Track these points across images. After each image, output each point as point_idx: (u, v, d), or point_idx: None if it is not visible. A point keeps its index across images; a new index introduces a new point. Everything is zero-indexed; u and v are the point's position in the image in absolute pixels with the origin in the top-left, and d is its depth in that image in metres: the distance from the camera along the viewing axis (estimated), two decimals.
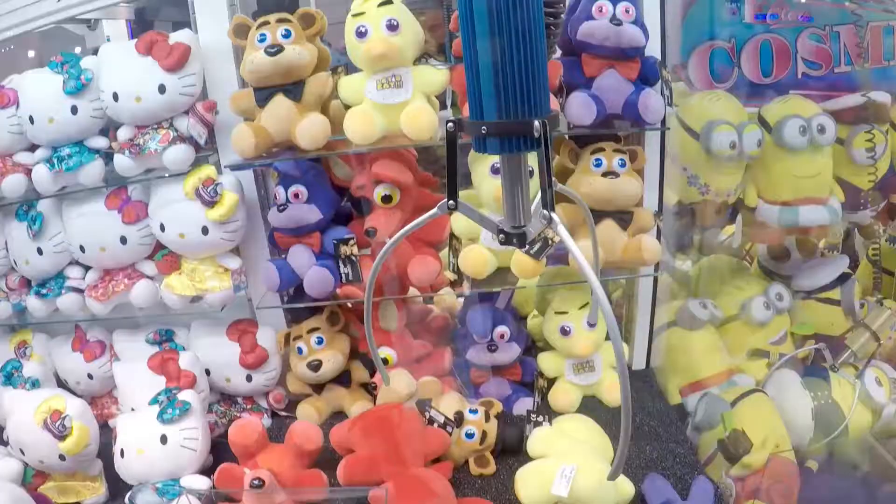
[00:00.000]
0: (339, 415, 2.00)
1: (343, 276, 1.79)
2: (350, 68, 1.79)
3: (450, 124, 0.88)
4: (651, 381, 2.10)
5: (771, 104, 2.08)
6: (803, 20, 2.13)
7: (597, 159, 1.75)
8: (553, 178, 0.86)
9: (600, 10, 1.66)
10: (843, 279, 2.28)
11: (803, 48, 2.14)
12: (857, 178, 2.15)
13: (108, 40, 1.96)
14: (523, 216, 0.92)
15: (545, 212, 0.87)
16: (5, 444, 1.79)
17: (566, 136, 1.81)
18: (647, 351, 2.14)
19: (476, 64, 0.84)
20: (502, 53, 0.81)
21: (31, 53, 2.17)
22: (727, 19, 2.13)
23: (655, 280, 2.01)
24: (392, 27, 1.61)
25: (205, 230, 1.80)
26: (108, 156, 1.84)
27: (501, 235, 0.93)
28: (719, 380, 2.07)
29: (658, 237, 1.90)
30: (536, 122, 0.83)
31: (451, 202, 0.94)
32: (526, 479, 1.55)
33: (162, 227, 1.83)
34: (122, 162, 1.78)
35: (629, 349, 2.11)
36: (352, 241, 1.77)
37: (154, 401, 1.76)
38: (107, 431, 1.83)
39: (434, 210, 0.97)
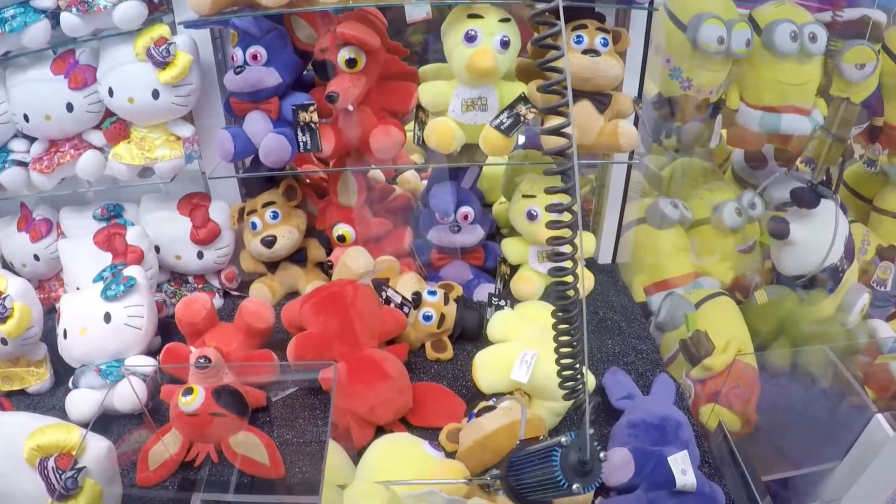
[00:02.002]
0: (294, 295, 1.93)
1: (301, 144, 1.69)
2: None
3: None
4: (616, 276, 2.06)
5: (763, 6, 2.02)
6: None
7: (578, 36, 1.65)
8: None
9: None
10: None
11: None
12: (844, 94, 2.09)
13: None
14: None
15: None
16: None
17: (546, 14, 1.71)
18: (615, 246, 2.09)
19: None
20: None
21: None
22: None
23: (629, 171, 1.94)
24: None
25: (155, 94, 1.69)
26: (54, 16, 1.69)
27: None
28: (685, 281, 2.05)
29: (636, 125, 1.82)
30: None
31: None
32: (484, 363, 1.51)
33: (110, 92, 1.72)
34: (69, 21, 1.65)
35: (596, 242, 2.06)
36: (312, 108, 1.66)
37: (98, 277, 1.69)
38: (54, 317, 1.77)
39: None
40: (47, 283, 2.02)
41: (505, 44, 1.61)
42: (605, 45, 1.66)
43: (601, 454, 1.03)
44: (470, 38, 1.60)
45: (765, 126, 2.02)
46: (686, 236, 2.13)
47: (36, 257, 1.96)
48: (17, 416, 1.39)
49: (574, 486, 0.99)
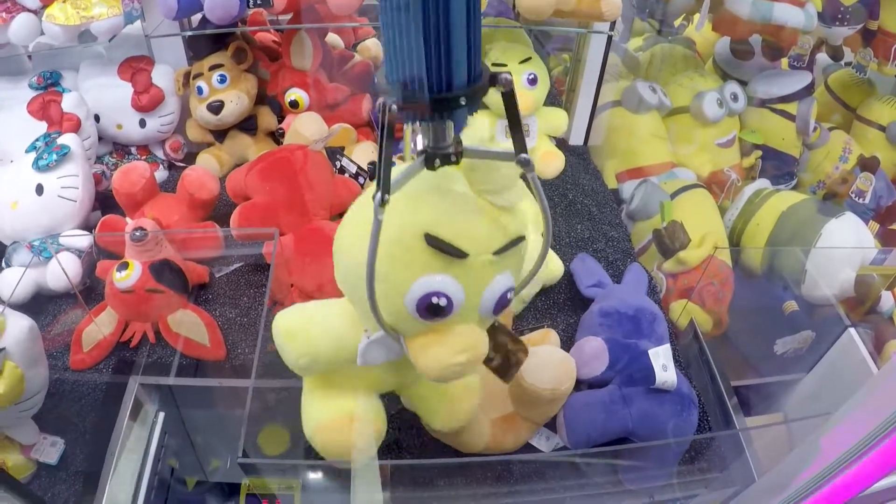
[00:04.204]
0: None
1: None
2: None
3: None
4: (588, 160, 1.97)
5: None
6: None
7: None
8: None
9: None
10: (802, 93, 2.17)
11: None
12: None
13: None
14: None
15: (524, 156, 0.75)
16: None
17: None
18: (587, 127, 2.00)
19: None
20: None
21: None
22: None
23: (608, 44, 1.82)
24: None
25: None
26: None
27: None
28: (660, 170, 1.97)
29: None
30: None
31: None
32: None
33: None
34: None
35: (569, 121, 1.94)
36: None
37: (31, 147, 1.56)
38: None
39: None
40: None
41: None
42: None
43: None
44: None
45: (756, 14, 1.90)
46: (663, 123, 2.03)
47: None
48: None
49: None
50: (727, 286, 1.73)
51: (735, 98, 2.06)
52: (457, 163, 0.76)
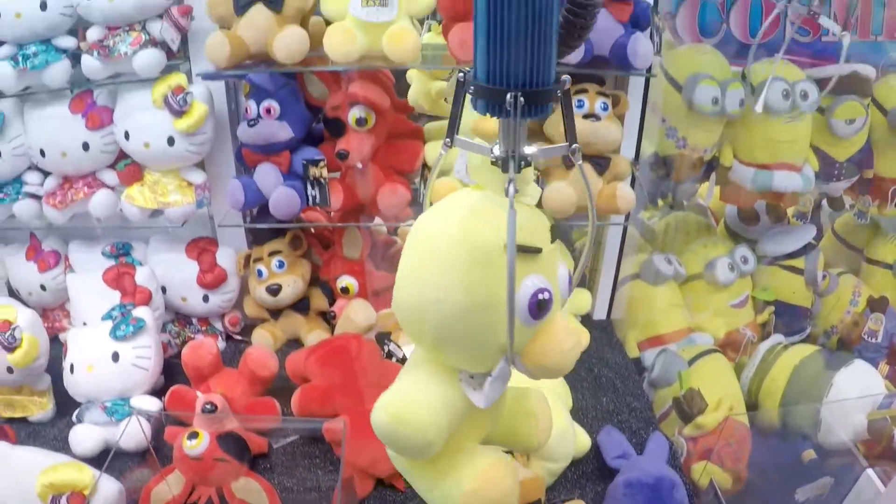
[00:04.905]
0: (294, 342, 1.98)
1: (311, 198, 1.74)
2: None
3: (460, 74, 0.84)
4: (611, 333, 2.10)
5: (757, 64, 2.05)
6: None
7: (579, 100, 1.70)
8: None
9: None
10: (808, 248, 2.29)
11: (794, 13, 2.11)
12: (834, 149, 2.15)
13: None
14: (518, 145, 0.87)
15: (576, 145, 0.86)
16: None
17: None
18: (610, 302, 2.13)
19: (476, 20, 0.79)
20: (498, 17, 0.76)
21: None
22: None
23: (625, 230, 1.99)
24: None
25: (171, 140, 1.74)
26: (75, 58, 1.76)
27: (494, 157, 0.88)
28: (678, 336, 2.08)
29: (632, 185, 1.87)
30: (509, 96, 0.79)
31: (448, 139, 0.91)
32: None
33: (126, 135, 1.77)
34: (89, 63, 1.70)
35: (592, 298, 2.10)
36: (322, 164, 1.71)
37: (107, 316, 1.72)
38: (57, 346, 1.79)
39: (440, 151, 0.93)
40: (51, 313, 2.05)
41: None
42: (605, 109, 1.72)
43: None
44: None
45: (757, 184, 2.05)
46: (679, 292, 2.16)
47: (43, 287, 1.99)
48: (28, 452, 1.44)
49: None
50: (744, 445, 1.82)
51: (745, 261, 2.19)
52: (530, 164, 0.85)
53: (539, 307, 0.84)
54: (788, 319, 2.28)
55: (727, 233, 2.45)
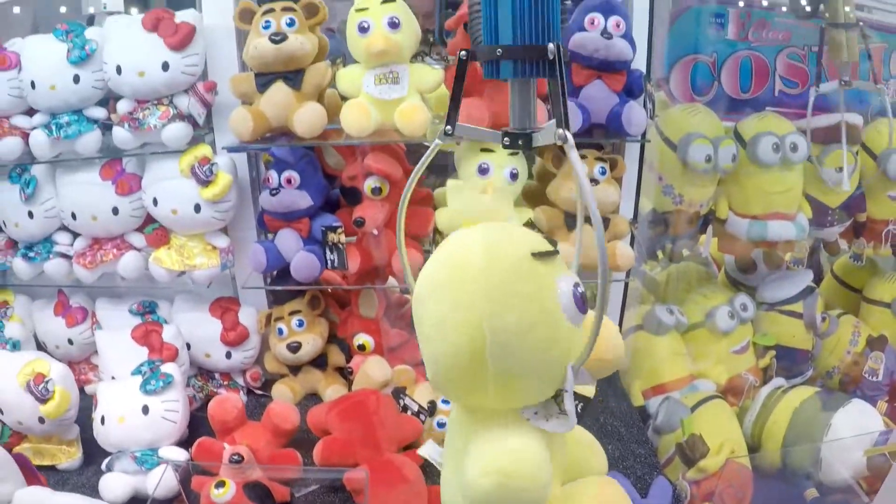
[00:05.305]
0: (313, 396, 2.05)
1: (329, 262, 1.84)
2: (348, 59, 1.85)
3: (462, 53, 0.89)
4: (616, 383, 2.16)
5: (747, 120, 2.15)
6: (784, 40, 2.21)
7: None
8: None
9: (592, 23, 1.72)
10: (806, 293, 2.34)
11: (782, 66, 2.23)
12: (826, 196, 2.24)
13: (105, 7, 1.97)
14: (530, 121, 0.92)
15: (560, 130, 0.84)
16: None
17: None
18: None
19: None
20: None
21: (17, 9, 2.15)
22: (711, 35, 2.21)
23: (626, 286, 2.08)
24: (394, 25, 1.68)
25: (197, 208, 1.84)
26: (105, 127, 1.87)
27: (506, 139, 0.92)
28: (681, 384, 2.14)
29: (632, 244, 1.97)
30: (551, 45, 0.83)
31: (448, 127, 0.94)
32: None
33: (155, 202, 1.87)
34: (120, 135, 1.82)
35: None
36: (340, 230, 1.81)
37: (137, 371, 1.80)
38: (83, 397, 1.86)
39: (435, 141, 0.98)
40: (78, 366, 2.13)
41: (514, 175, 1.77)
42: (604, 173, 1.81)
43: None
44: (483, 171, 1.76)
45: (752, 234, 2.14)
46: (682, 340, 2.23)
47: (70, 341, 2.08)
48: (66, 497, 1.56)
49: None
50: (746, 486, 1.87)
51: (745, 308, 2.26)
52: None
53: (583, 300, 0.88)
54: (789, 363, 2.33)
55: (728, 280, 2.52)
